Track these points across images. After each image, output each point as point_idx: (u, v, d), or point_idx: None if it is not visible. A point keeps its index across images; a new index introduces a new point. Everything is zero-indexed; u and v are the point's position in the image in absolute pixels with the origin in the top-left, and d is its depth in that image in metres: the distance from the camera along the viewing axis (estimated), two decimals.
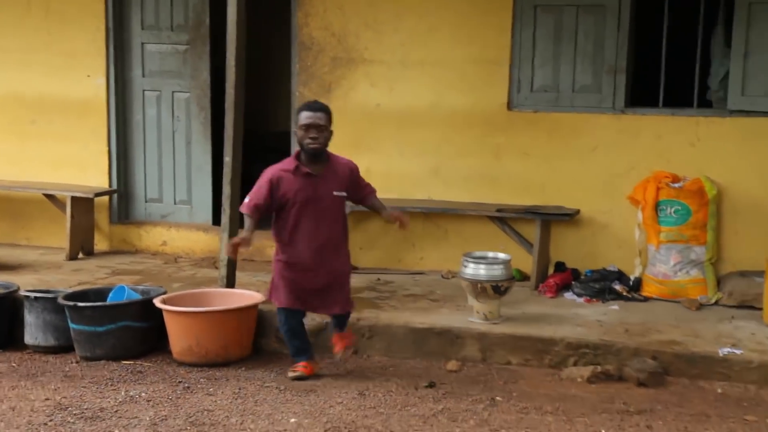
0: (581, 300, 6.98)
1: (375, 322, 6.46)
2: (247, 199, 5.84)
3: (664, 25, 7.36)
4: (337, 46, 7.98)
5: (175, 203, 8.85)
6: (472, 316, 6.50)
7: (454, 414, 5.18)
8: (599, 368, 5.90)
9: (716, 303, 6.89)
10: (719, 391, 5.69)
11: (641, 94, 7.67)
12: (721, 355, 5.89)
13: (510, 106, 7.61)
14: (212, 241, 8.41)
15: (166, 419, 4.96)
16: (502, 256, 6.55)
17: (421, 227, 7.84)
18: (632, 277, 7.16)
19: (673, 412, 5.27)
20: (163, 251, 8.68)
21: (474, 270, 6.42)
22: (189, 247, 8.60)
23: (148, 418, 4.97)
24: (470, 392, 5.62)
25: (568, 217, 7.31)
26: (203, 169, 8.71)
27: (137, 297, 6.63)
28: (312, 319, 6.32)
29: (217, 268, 8.01)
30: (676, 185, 6.99)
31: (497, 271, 6.41)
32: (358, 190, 6.03)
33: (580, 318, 6.58)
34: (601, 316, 6.62)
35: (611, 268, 7.25)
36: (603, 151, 7.37)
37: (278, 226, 5.88)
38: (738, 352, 5.91)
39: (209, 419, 4.99)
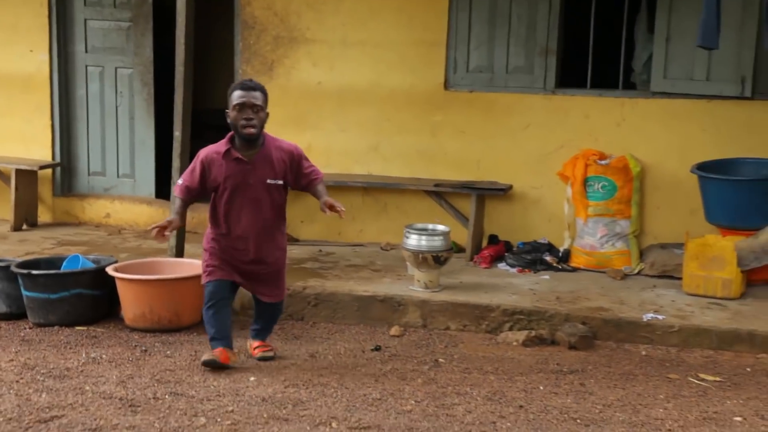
0: (514, 270, 7.37)
1: (321, 291, 6.75)
2: (180, 180, 5.63)
3: (592, 11, 7.75)
4: (279, 26, 8.22)
5: (118, 176, 9.01)
6: (413, 285, 6.83)
7: (402, 373, 5.52)
8: (533, 333, 6.29)
9: (639, 273, 7.32)
10: (643, 353, 6.12)
11: (571, 76, 8.05)
12: (644, 320, 6.32)
13: (447, 85, 7.94)
14: (156, 214, 8.60)
15: (132, 377, 5.20)
16: (441, 228, 6.90)
17: (361, 201, 8.14)
18: (561, 249, 7.56)
19: (603, 371, 5.68)
20: (106, 223, 8.84)
21: (416, 241, 6.75)
22: (133, 219, 8.78)
23: (114, 377, 5.21)
24: (414, 355, 5.97)
25: (502, 192, 7.68)
26: (146, 143, 8.88)
27: (91, 266, 6.82)
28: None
29: None
30: (603, 162, 7.40)
31: (438, 242, 6.76)
32: (300, 177, 5.61)
33: (514, 287, 6.96)
34: (534, 285, 7.01)
35: (542, 241, 7.64)
36: (535, 129, 7.74)
37: (212, 208, 5.59)
38: (660, 317, 6.34)
39: (173, 377, 5.25)
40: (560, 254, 7.52)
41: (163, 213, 8.60)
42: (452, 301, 6.64)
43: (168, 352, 5.90)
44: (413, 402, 4.91)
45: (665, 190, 7.52)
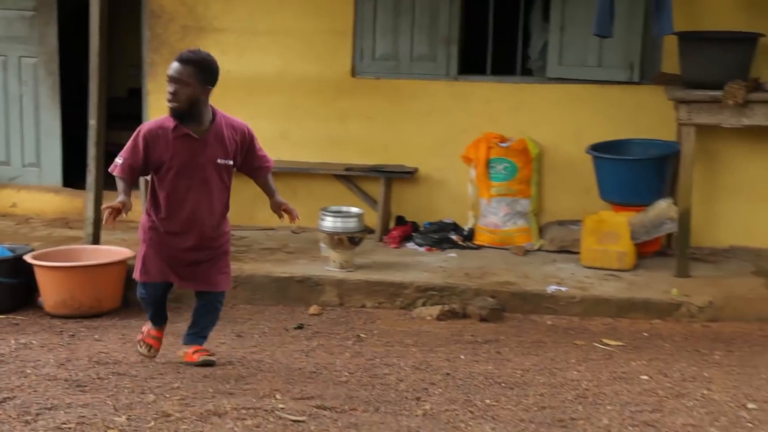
0: (422, 249, 7.70)
1: (239, 273, 6.93)
2: (119, 160, 5.07)
3: (490, 1, 8.11)
4: (187, 15, 8.36)
5: (23, 166, 8.98)
6: (328, 266, 7.10)
7: (329, 348, 5.80)
8: (446, 307, 6.64)
9: (539, 249, 7.74)
10: (549, 322, 6.53)
11: (472, 63, 8.41)
12: (549, 292, 6.74)
13: (354, 73, 8.21)
14: (63, 203, 8.66)
15: (69, 360, 5.32)
16: (355, 210, 7.19)
17: None
18: (466, 228, 7.92)
19: (515, 340, 6.06)
20: (13, 213, 8.82)
21: (332, 223, 7.02)
22: (40, 209, 8.78)
23: (52, 360, 5.32)
24: (336, 332, 6.25)
25: (409, 175, 8.01)
26: (52, 133, 8.88)
27: (9, 254, 6.88)
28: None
29: (70, 227, 8.33)
30: (504, 145, 7.78)
31: (352, 224, 7.05)
32: (251, 160, 5.26)
33: (424, 265, 7.29)
34: (443, 263, 7.36)
35: (447, 221, 7.99)
36: (438, 114, 8.07)
37: (151, 190, 5.13)
38: (563, 289, 6.77)
39: (110, 359, 5.40)
40: (465, 233, 7.87)
41: (71, 202, 8.67)
42: (367, 279, 6.94)
43: (96, 336, 6.05)
44: (347, 374, 5.18)
45: (561, 171, 7.94)
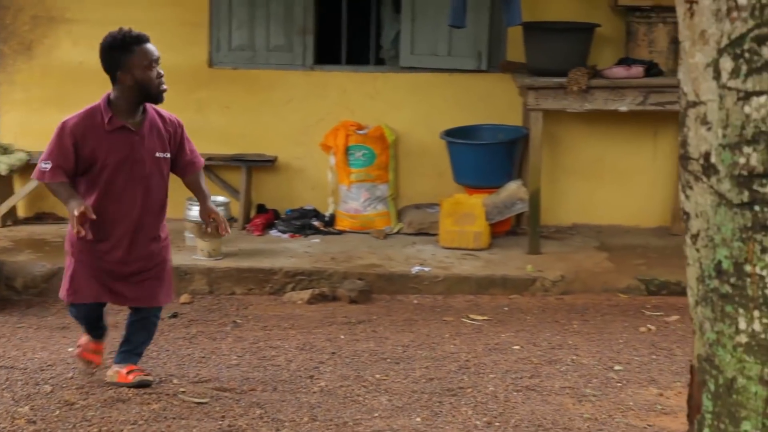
0: (286, 236, 7.85)
1: None
2: (45, 165, 4.44)
3: None
4: (37, 5, 8.21)
5: None
6: (196, 254, 7.17)
7: (210, 334, 5.90)
8: (316, 291, 6.82)
9: (398, 232, 8.01)
10: (415, 301, 6.81)
11: (327, 53, 8.58)
12: (413, 273, 7.03)
13: (211, 63, 8.27)
14: None
15: None
16: (222, 199, 7.29)
17: None
18: (327, 214, 8.12)
19: (387, 320, 6.31)
20: None
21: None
22: None
23: None
24: (211, 319, 6.34)
25: (269, 164, 8.13)
26: None
27: None
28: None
29: None
30: (362, 132, 8.01)
31: (220, 213, 7.11)
32: (181, 155, 4.79)
33: (290, 251, 7.45)
34: (308, 248, 7.53)
35: (308, 207, 8.17)
36: (296, 103, 8.23)
37: (79, 194, 4.49)
38: (426, 269, 7.07)
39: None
40: (326, 219, 8.07)
41: None
42: (236, 267, 7.06)
43: None
44: (236, 357, 5.31)
45: (416, 156, 8.24)
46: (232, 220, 7.27)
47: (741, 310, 2.76)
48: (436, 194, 7.86)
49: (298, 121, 8.22)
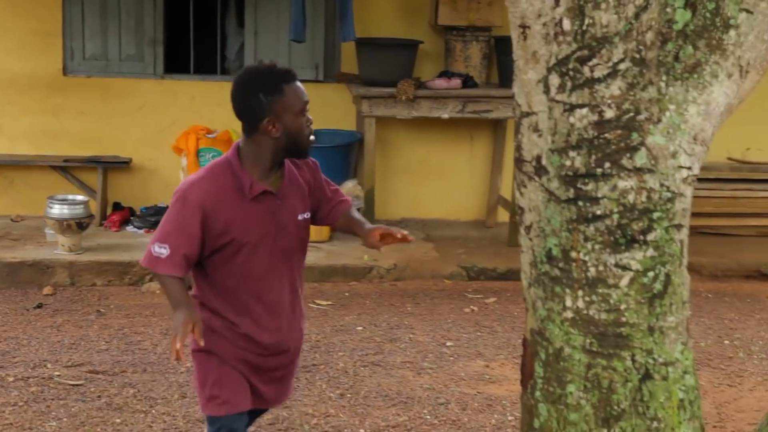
0: (141, 231, 7.76)
1: None
2: (162, 249, 3.10)
3: (191, 7, 8.27)
4: None
5: None
6: (57, 249, 7.02)
7: (76, 322, 5.82)
8: None
9: None
10: None
11: (177, 62, 8.52)
12: None
13: (65, 71, 8.08)
14: None
15: None
16: (81, 197, 7.16)
17: None
18: None
19: None
20: None
21: (59, 210, 6.95)
22: None
23: None
24: (75, 308, 6.24)
25: (124, 165, 8.02)
26: None
27: None
28: None
29: None
30: (211, 136, 8.00)
31: (79, 210, 7.01)
32: (324, 201, 3.44)
33: (146, 245, 7.34)
34: None
35: (162, 205, 8.08)
36: (149, 109, 8.14)
37: (209, 284, 3.22)
38: None
39: None
40: None
41: None
42: (96, 260, 6.95)
43: None
44: (104, 343, 5.27)
45: None
46: (90, 217, 7.13)
47: (567, 290, 2.99)
48: None
49: (151, 125, 8.14)
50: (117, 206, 8.10)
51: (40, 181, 8.02)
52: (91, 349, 5.09)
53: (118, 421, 4.15)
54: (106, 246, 7.29)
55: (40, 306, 6.25)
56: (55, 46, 8.04)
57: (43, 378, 4.36)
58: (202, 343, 3.04)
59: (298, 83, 3.19)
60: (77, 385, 4.33)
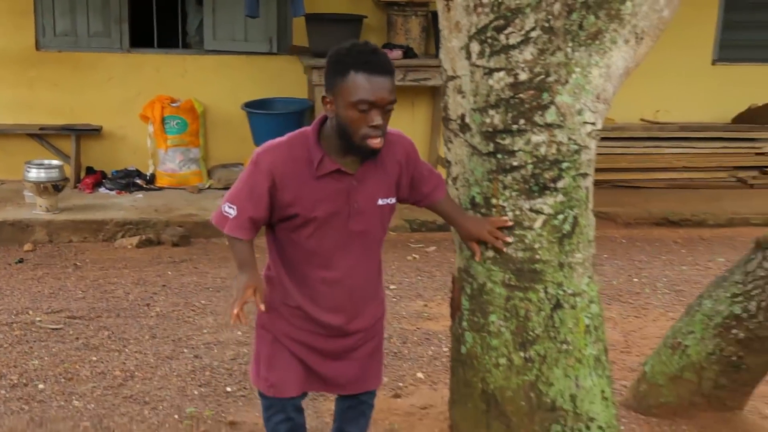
0: (113, 193, 7.74)
1: None
2: (230, 209, 2.85)
3: None
4: None
5: None
6: (36, 210, 6.98)
7: (55, 275, 5.82)
8: (143, 237, 6.81)
9: (210, 187, 8.06)
10: (227, 242, 6.89)
11: (141, 37, 8.44)
12: None
13: (38, 47, 7.97)
14: None
15: None
16: (56, 162, 7.11)
17: None
18: (148, 174, 8.05)
19: (205, 258, 6.42)
20: None
21: (37, 174, 6.90)
22: None
23: None
24: (54, 263, 6.23)
25: (96, 132, 7.97)
26: None
27: None
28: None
29: None
30: (175, 105, 7.96)
31: (55, 174, 6.97)
32: (420, 185, 3.03)
33: (119, 205, 7.37)
34: (133, 203, 7.47)
35: (131, 168, 8.07)
36: (117, 81, 8.08)
37: (278, 252, 2.91)
38: None
39: None
40: (148, 177, 8.00)
41: None
42: (72, 219, 6.93)
43: None
44: (81, 292, 5.29)
45: (222, 124, 8.29)
46: (66, 180, 7.10)
47: None
48: (239, 156, 7.97)
49: (119, 95, 8.08)
50: (90, 170, 8.06)
51: (18, 148, 7.93)
52: (69, 298, 5.11)
53: (94, 359, 4.21)
54: (81, 206, 7.27)
55: (21, 261, 6.24)
56: (28, 24, 7.92)
57: (26, 323, 4.39)
58: (262, 308, 2.75)
59: (373, 78, 2.69)
60: (57, 329, 4.37)
